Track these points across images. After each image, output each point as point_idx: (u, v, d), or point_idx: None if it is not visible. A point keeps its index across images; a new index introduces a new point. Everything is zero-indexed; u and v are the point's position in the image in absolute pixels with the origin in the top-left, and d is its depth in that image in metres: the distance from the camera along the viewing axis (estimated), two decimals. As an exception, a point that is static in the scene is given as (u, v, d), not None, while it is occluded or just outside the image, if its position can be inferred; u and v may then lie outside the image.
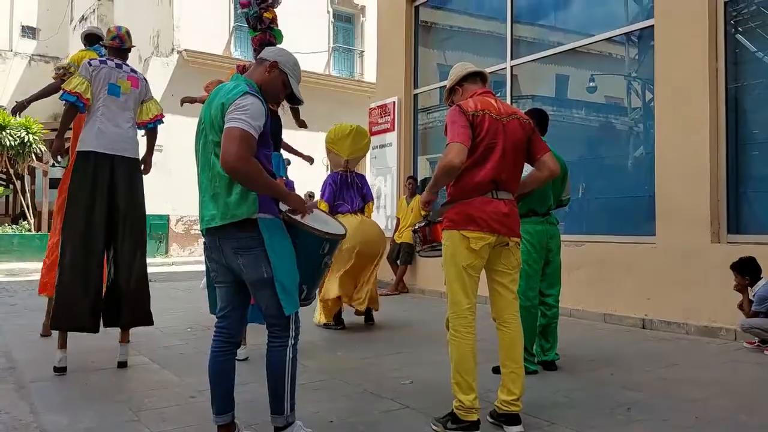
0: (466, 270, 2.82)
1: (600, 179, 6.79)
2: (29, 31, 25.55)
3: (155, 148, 4.66)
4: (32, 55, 25.42)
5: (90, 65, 4.10)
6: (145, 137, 4.50)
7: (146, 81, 4.41)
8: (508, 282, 2.92)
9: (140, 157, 4.33)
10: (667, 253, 5.48)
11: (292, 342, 2.62)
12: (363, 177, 6.03)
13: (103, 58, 4.23)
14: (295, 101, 2.82)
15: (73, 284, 3.93)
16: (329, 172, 6.10)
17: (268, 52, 2.74)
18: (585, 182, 6.81)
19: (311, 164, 6.45)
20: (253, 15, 5.09)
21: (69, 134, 4.55)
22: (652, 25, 5.85)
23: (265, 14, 5.05)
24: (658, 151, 5.66)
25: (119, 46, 4.33)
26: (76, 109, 4.06)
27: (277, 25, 5.17)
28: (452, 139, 2.78)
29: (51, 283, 4.64)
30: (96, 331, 4.03)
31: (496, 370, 3.61)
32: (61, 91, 4.13)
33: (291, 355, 2.61)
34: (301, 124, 5.63)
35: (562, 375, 3.93)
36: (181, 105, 5.64)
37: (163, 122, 4.50)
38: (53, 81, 5.18)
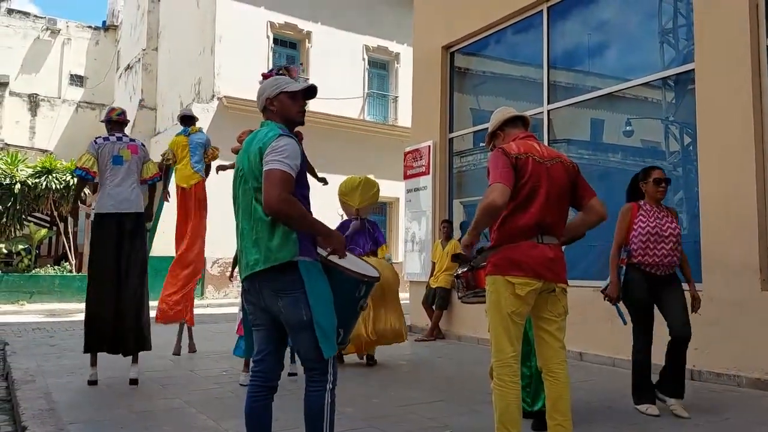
0: (510, 317, 2.74)
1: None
2: (77, 80, 26.69)
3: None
4: (79, 102, 26.48)
5: (96, 143, 5.06)
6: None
7: (143, 146, 5.33)
8: (554, 330, 2.84)
9: (143, 210, 5.18)
10: (714, 301, 5.29)
11: (330, 387, 2.58)
12: (375, 224, 6.32)
13: (107, 136, 5.14)
14: (310, 93, 2.77)
15: (96, 320, 4.89)
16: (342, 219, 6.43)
17: (258, 100, 2.77)
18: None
19: (324, 185, 6.48)
20: None
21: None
22: (692, 69, 5.80)
23: None
24: (703, 196, 5.53)
25: (123, 120, 5.29)
26: (84, 180, 5.09)
27: None
28: (495, 180, 2.75)
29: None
30: (115, 352, 4.94)
31: (537, 426, 3.50)
32: (75, 167, 5.15)
33: (329, 400, 2.57)
34: (321, 180, 6.03)
35: (607, 427, 3.77)
36: (217, 172, 6.65)
37: (160, 179, 5.49)
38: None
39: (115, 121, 5.23)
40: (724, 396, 4.73)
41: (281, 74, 5.38)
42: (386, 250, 6.27)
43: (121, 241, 4.97)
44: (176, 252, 6.75)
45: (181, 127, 6.82)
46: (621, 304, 4.27)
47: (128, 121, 5.43)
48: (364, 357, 6.15)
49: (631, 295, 4.17)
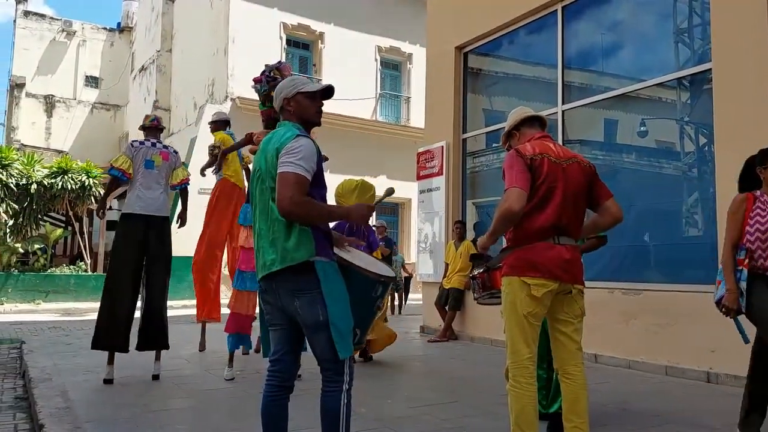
0: (526, 318, 2.72)
1: (655, 225, 6.59)
2: (92, 81, 26.94)
3: None
4: (94, 103, 26.71)
5: (132, 146, 5.27)
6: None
7: (176, 153, 5.51)
8: (571, 331, 2.81)
9: (170, 214, 5.35)
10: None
11: (347, 387, 2.57)
12: (369, 227, 6.38)
13: (143, 140, 5.34)
14: (328, 93, 2.77)
15: (111, 318, 5.00)
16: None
17: (276, 100, 2.77)
18: (639, 228, 6.62)
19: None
20: (263, 92, 5.55)
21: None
22: (708, 69, 5.75)
23: (272, 92, 5.34)
24: (719, 197, 5.47)
25: (157, 125, 5.51)
26: (119, 180, 5.26)
27: None
28: (511, 184, 2.73)
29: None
30: (126, 351, 5.02)
31: (553, 428, 3.47)
32: (110, 166, 5.30)
33: (345, 401, 2.56)
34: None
35: (623, 430, 3.74)
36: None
37: (189, 184, 5.60)
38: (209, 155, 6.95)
39: (149, 127, 5.47)
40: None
41: (273, 75, 5.49)
42: (379, 253, 6.32)
43: (145, 242, 5.11)
44: (216, 249, 7.11)
45: (208, 128, 7.15)
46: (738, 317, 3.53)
47: (163, 127, 5.64)
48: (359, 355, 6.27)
49: (753, 306, 3.39)
